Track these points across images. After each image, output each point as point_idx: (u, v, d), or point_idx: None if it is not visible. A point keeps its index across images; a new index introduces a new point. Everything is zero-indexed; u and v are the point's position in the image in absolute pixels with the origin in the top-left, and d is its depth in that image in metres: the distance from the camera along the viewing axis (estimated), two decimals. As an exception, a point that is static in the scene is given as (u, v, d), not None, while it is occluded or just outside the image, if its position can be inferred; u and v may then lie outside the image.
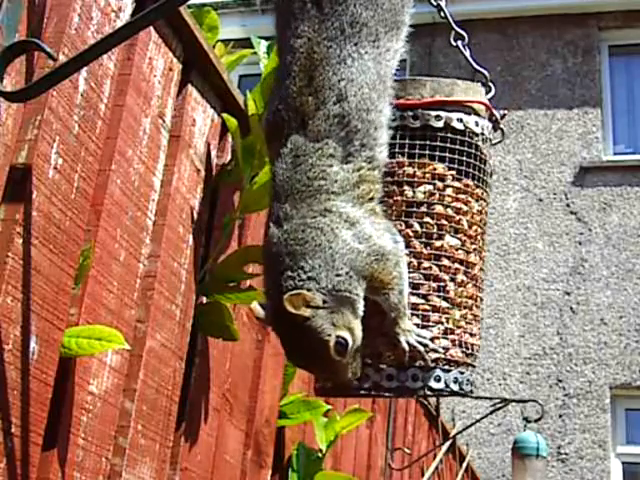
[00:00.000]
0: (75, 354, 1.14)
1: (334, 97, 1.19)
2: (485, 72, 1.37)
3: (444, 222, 1.25)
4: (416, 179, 1.26)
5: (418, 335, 1.21)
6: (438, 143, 1.27)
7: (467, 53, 1.38)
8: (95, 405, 1.22)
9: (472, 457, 5.09)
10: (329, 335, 1.13)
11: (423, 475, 3.69)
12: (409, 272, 1.22)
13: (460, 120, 1.28)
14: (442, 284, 1.24)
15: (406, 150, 1.27)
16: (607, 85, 8.27)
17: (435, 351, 1.22)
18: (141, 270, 1.36)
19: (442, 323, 1.23)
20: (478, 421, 4.36)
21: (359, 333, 1.16)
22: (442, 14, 1.39)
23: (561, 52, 8.28)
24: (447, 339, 1.23)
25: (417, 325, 1.22)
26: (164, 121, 1.43)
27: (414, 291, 1.23)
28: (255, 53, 1.74)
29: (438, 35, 7.76)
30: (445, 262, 1.24)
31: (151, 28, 1.38)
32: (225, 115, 1.60)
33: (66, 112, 1.15)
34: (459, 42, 1.39)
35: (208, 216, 1.59)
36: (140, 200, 1.35)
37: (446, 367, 1.22)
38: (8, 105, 1.07)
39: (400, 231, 1.23)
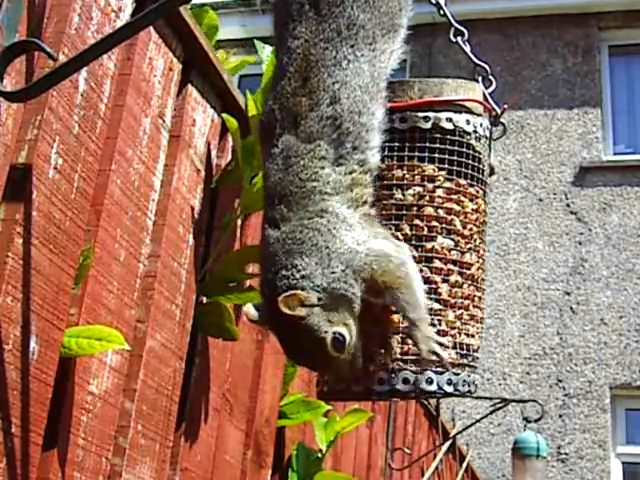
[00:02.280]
0: (75, 354, 1.14)
1: (328, 99, 1.19)
2: (485, 66, 1.36)
3: (435, 223, 1.24)
4: (405, 182, 1.25)
5: (438, 343, 1.18)
6: (427, 144, 1.26)
7: (467, 49, 1.38)
8: (95, 405, 1.22)
9: (472, 457, 5.09)
10: (326, 332, 1.13)
11: (423, 475, 3.69)
12: None
13: (449, 120, 1.27)
14: (433, 286, 1.22)
15: (395, 153, 1.26)
16: (607, 85, 8.27)
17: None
18: (141, 270, 1.36)
19: (434, 325, 1.21)
20: (478, 421, 4.36)
21: (355, 330, 1.16)
22: (441, 12, 1.38)
23: (561, 52, 8.28)
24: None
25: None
26: (164, 121, 1.43)
27: None
28: (257, 55, 1.74)
29: (438, 35, 7.76)
30: (437, 264, 1.23)
31: (151, 28, 1.38)
32: (225, 115, 1.60)
33: (66, 112, 1.15)
34: (458, 38, 1.38)
35: (208, 216, 1.59)
36: (140, 200, 1.35)
37: (439, 369, 1.21)
38: (8, 105, 1.07)
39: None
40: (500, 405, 4.33)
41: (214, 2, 7.88)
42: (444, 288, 1.23)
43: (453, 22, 1.37)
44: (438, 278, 1.23)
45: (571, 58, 8.25)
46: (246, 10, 8.65)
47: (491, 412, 4.31)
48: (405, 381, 1.20)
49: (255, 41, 1.71)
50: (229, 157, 1.69)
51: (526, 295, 7.58)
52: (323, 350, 1.14)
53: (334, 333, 1.13)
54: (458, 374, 1.23)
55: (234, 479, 1.73)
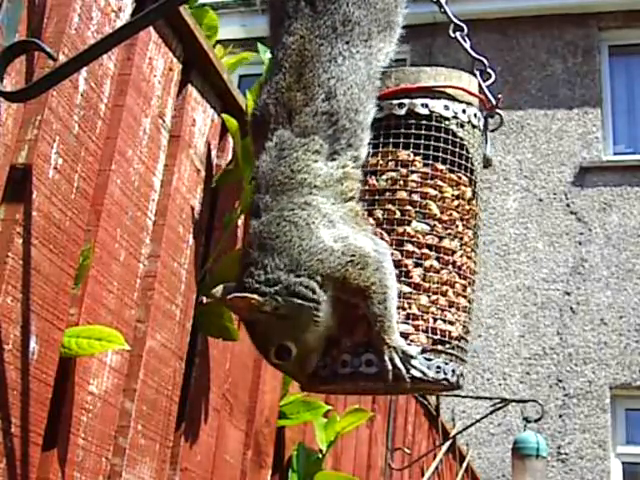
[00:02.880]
0: (75, 354, 1.14)
1: (323, 94, 1.19)
2: (483, 59, 1.36)
3: (409, 207, 1.23)
4: (379, 168, 1.25)
5: (404, 353, 1.16)
6: (402, 130, 1.26)
7: (467, 44, 1.37)
8: (95, 405, 1.22)
9: (472, 457, 5.09)
10: (271, 343, 1.15)
11: (423, 475, 3.69)
12: None
13: (425, 105, 1.26)
14: (404, 269, 1.21)
15: (371, 141, 1.26)
16: (607, 85, 8.27)
17: (421, 372, 1.18)
18: (141, 270, 1.36)
19: (404, 309, 1.20)
20: (478, 421, 4.36)
21: (313, 338, 1.15)
22: (441, 9, 1.39)
23: (561, 52, 8.28)
24: (408, 324, 1.20)
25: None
26: (164, 121, 1.43)
27: None
28: (256, 53, 1.74)
29: (438, 35, 7.76)
30: (408, 247, 1.22)
31: (151, 28, 1.37)
32: (225, 115, 1.60)
33: (66, 112, 1.15)
34: (457, 33, 1.38)
35: (208, 216, 1.59)
36: (140, 200, 1.35)
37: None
38: (8, 105, 1.07)
39: None
40: (500, 405, 4.33)
41: (214, 2, 7.88)
42: (416, 272, 1.22)
43: (452, 17, 1.37)
44: (409, 262, 1.22)
45: (571, 58, 8.25)
46: (246, 10, 8.65)
47: (491, 412, 4.31)
48: (368, 363, 1.18)
49: (258, 43, 1.71)
50: (229, 157, 1.69)
51: (526, 295, 7.58)
52: (266, 357, 1.17)
53: (280, 346, 1.14)
54: (430, 360, 1.20)
55: (234, 479, 1.72)
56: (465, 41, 1.38)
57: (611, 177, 7.77)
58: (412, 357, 1.16)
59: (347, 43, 1.21)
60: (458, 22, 1.37)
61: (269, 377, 1.87)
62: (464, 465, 4.58)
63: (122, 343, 1.15)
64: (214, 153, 1.63)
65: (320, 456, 2.06)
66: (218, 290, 1.22)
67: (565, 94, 8.13)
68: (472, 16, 7.76)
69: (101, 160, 1.24)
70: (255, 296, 1.12)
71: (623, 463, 7.13)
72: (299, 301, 1.13)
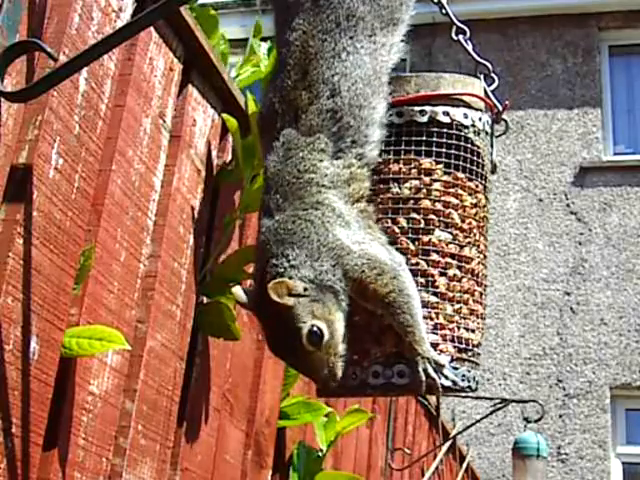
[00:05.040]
0: (76, 354, 1.14)
1: (328, 92, 1.19)
2: (487, 64, 1.35)
3: (432, 217, 1.24)
4: (402, 175, 1.25)
5: (436, 363, 1.17)
6: (424, 138, 1.26)
7: (469, 47, 1.37)
8: (95, 405, 1.22)
9: (472, 457, 5.08)
10: (304, 323, 1.12)
11: (423, 475, 3.69)
12: None
13: (446, 113, 1.27)
14: (430, 279, 1.22)
15: (392, 147, 1.26)
16: (607, 85, 8.27)
17: (452, 382, 1.19)
18: (141, 270, 1.36)
19: (432, 318, 1.21)
20: (478, 421, 4.36)
21: (340, 327, 1.15)
22: (443, 11, 1.38)
23: (561, 52, 8.28)
24: (437, 334, 1.21)
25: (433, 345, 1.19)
26: (164, 121, 1.43)
27: None
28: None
29: (438, 35, 7.76)
30: (434, 257, 1.23)
31: (152, 28, 1.37)
32: (225, 115, 1.60)
33: (67, 112, 1.15)
34: (460, 36, 1.38)
35: (208, 216, 1.59)
36: (140, 200, 1.35)
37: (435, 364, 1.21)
38: (9, 105, 1.07)
39: (387, 228, 1.23)
40: (500, 405, 4.33)
41: (214, 2, 7.87)
42: (441, 281, 1.23)
43: (455, 20, 1.37)
44: (435, 271, 1.23)
45: (571, 58, 8.25)
46: (246, 10, 8.65)
47: (491, 412, 4.30)
48: (400, 374, 1.19)
49: (256, 41, 1.72)
50: (229, 157, 1.69)
51: (526, 295, 7.58)
52: (298, 341, 1.13)
53: (312, 326, 1.12)
54: (457, 368, 1.22)
55: (235, 479, 1.72)
56: (468, 44, 1.37)
57: (611, 177, 7.77)
58: (443, 366, 1.18)
59: (351, 38, 1.21)
60: (461, 25, 1.37)
61: (269, 377, 1.87)
62: (464, 465, 4.58)
63: (123, 343, 1.15)
64: (214, 153, 1.63)
65: (320, 456, 2.06)
66: (238, 293, 1.20)
67: (565, 94, 8.13)
68: (472, 16, 7.75)
69: (102, 160, 1.24)
70: (287, 280, 1.11)
71: (623, 463, 7.13)
72: (327, 283, 1.13)
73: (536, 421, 4.57)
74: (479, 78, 1.34)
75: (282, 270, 1.13)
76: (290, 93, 1.20)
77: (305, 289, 1.12)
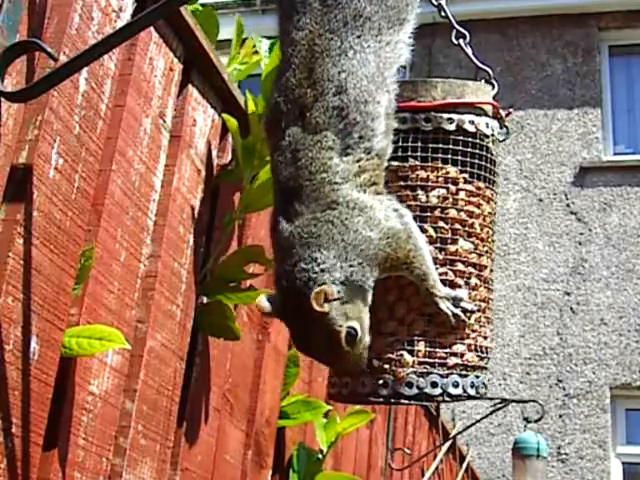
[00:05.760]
0: (76, 354, 1.14)
1: (333, 89, 1.19)
2: (488, 70, 1.36)
3: (458, 226, 1.24)
4: (429, 183, 1.25)
5: (455, 298, 1.22)
6: (450, 146, 1.26)
7: (469, 51, 1.38)
8: (96, 405, 1.22)
9: (472, 457, 5.09)
10: (340, 326, 1.14)
11: (423, 475, 3.69)
12: None
13: (472, 122, 1.27)
14: (457, 289, 1.23)
15: (419, 154, 1.26)
16: (607, 85, 8.27)
17: (472, 312, 1.23)
18: (142, 270, 1.36)
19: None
20: (478, 421, 4.36)
21: (367, 322, 1.18)
22: (443, 14, 1.38)
23: (561, 52, 8.28)
24: (464, 344, 1.22)
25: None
26: (165, 121, 1.43)
27: None
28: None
29: (438, 35, 7.75)
30: (460, 267, 1.23)
31: (152, 28, 1.37)
32: (225, 115, 1.60)
33: (67, 112, 1.14)
34: (460, 40, 1.38)
35: (209, 216, 1.59)
36: (141, 200, 1.35)
37: (463, 372, 1.22)
38: (9, 105, 1.07)
39: None
40: (500, 405, 4.33)
41: (214, 2, 7.87)
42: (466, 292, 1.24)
43: (455, 24, 1.37)
44: (461, 281, 1.24)
45: (571, 58, 8.25)
46: (246, 10, 8.65)
47: (491, 412, 4.30)
48: (433, 384, 1.20)
49: (253, 36, 1.71)
50: (229, 157, 1.69)
51: (526, 295, 7.58)
52: (337, 344, 1.15)
53: (348, 327, 1.15)
54: (479, 377, 1.24)
55: (234, 479, 1.72)
56: (467, 48, 1.37)
57: (611, 177, 7.77)
58: (462, 299, 1.23)
59: (358, 37, 1.21)
60: (461, 29, 1.37)
61: (269, 377, 1.87)
62: (464, 465, 4.58)
63: (123, 342, 1.15)
64: (214, 153, 1.63)
65: (320, 456, 2.06)
66: (262, 304, 1.20)
67: (565, 94, 8.13)
68: (472, 16, 7.76)
69: (102, 160, 1.24)
70: (325, 286, 1.13)
71: (623, 463, 7.13)
72: (358, 283, 1.16)
73: (536, 421, 4.57)
74: (481, 83, 1.35)
75: (314, 275, 1.14)
76: (295, 91, 1.20)
77: (338, 291, 1.14)
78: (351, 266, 1.15)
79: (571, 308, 7.44)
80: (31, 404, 1.08)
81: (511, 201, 7.88)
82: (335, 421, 2.08)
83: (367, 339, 1.18)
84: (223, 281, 1.57)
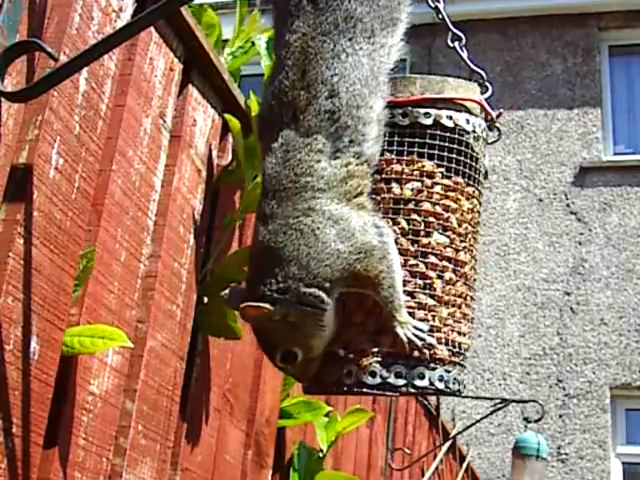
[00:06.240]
0: (78, 352, 1.14)
1: (326, 92, 1.19)
2: (482, 72, 1.37)
3: (432, 220, 1.24)
4: (404, 176, 1.25)
5: (415, 327, 1.20)
6: (427, 140, 1.26)
7: (464, 54, 1.38)
8: (96, 405, 1.22)
9: (472, 457, 5.09)
10: (278, 348, 1.18)
11: (423, 475, 3.69)
12: None
13: (450, 117, 1.27)
14: (428, 281, 1.23)
15: (395, 147, 1.26)
16: (607, 85, 8.27)
17: (431, 345, 1.21)
18: (142, 270, 1.36)
19: (428, 321, 1.22)
20: (478, 421, 4.36)
21: (317, 344, 1.18)
22: (440, 16, 1.39)
23: (561, 52, 8.28)
24: (432, 337, 1.22)
25: (411, 315, 1.22)
26: (165, 121, 1.43)
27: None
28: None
29: (438, 35, 7.75)
30: (432, 259, 1.24)
31: (152, 28, 1.37)
32: (227, 115, 1.60)
33: (67, 112, 1.15)
34: (456, 43, 1.39)
35: (209, 216, 1.59)
36: (141, 200, 1.35)
37: (431, 365, 1.22)
38: (9, 105, 1.07)
39: None
40: (500, 405, 4.33)
41: (214, 2, 7.87)
42: (438, 284, 1.24)
43: (451, 27, 1.37)
44: (433, 274, 1.24)
45: (571, 58, 8.24)
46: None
47: (491, 412, 4.30)
48: (398, 375, 1.20)
49: (256, 40, 1.71)
50: (230, 157, 1.69)
51: (526, 295, 7.58)
52: (272, 361, 1.21)
53: (285, 351, 1.18)
54: (449, 371, 1.24)
55: (235, 479, 1.72)
56: (463, 51, 1.38)
57: (611, 177, 7.77)
58: (422, 330, 1.21)
59: (350, 40, 1.21)
60: (457, 32, 1.37)
61: (270, 377, 1.87)
62: (464, 465, 4.58)
63: (125, 340, 1.15)
64: (215, 153, 1.63)
65: (321, 456, 2.06)
66: (226, 294, 1.24)
67: (565, 94, 8.13)
68: (472, 16, 7.76)
69: (102, 160, 1.24)
70: (267, 305, 1.14)
71: (623, 463, 7.13)
72: (308, 309, 1.15)
73: (536, 421, 4.57)
74: (471, 82, 1.35)
75: (269, 293, 1.15)
76: (288, 94, 1.20)
77: (284, 315, 1.15)
78: (308, 286, 1.15)
79: (571, 308, 7.44)
80: (31, 404, 1.08)
81: (511, 201, 7.88)
82: (336, 420, 2.08)
83: (315, 362, 1.20)
84: (223, 281, 1.57)
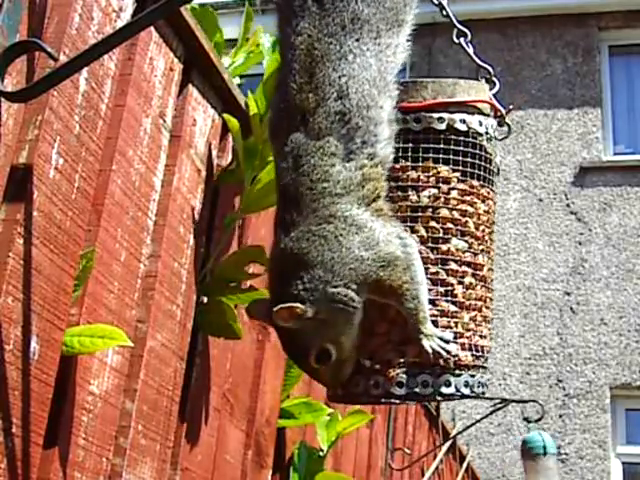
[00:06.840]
0: (78, 352, 1.14)
1: (335, 93, 1.18)
2: (489, 68, 1.36)
3: (450, 225, 1.24)
4: (420, 183, 1.24)
5: (441, 339, 1.19)
6: (441, 145, 1.25)
7: (470, 50, 1.37)
8: (96, 405, 1.22)
9: (472, 457, 5.08)
10: (312, 347, 1.17)
11: (423, 475, 3.69)
12: None
13: (463, 121, 1.27)
14: (449, 288, 1.22)
15: (409, 154, 1.25)
16: (607, 85, 8.27)
17: (457, 357, 1.21)
18: (142, 270, 1.36)
19: (451, 327, 1.22)
20: (478, 421, 4.36)
21: (349, 344, 1.18)
22: (444, 12, 1.38)
23: (561, 52, 8.28)
24: (456, 343, 1.22)
25: (435, 323, 1.21)
26: (165, 121, 1.43)
27: None
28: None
29: (438, 35, 7.75)
30: (452, 265, 1.23)
31: (152, 28, 1.37)
32: (226, 115, 1.59)
33: (67, 112, 1.14)
34: (461, 39, 1.38)
35: (209, 216, 1.59)
36: (141, 200, 1.35)
37: (456, 371, 1.21)
38: (9, 105, 1.07)
39: None
40: (500, 405, 4.33)
41: (214, 2, 7.87)
42: (459, 290, 1.23)
43: (456, 23, 1.36)
44: (454, 280, 1.23)
45: (571, 58, 8.25)
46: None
47: (491, 412, 4.30)
48: (424, 384, 1.20)
49: (257, 30, 1.71)
50: (230, 157, 1.69)
51: (526, 295, 7.58)
52: (307, 361, 1.18)
53: (320, 349, 1.16)
54: (474, 376, 1.23)
55: (235, 479, 1.72)
56: (468, 47, 1.37)
57: (611, 177, 7.77)
58: (448, 342, 1.20)
59: (357, 41, 1.20)
60: (462, 28, 1.36)
61: (270, 377, 1.87)
62: (464, 465, 4.58)
63: (125, 340, 1.15)
64: (215, 153, 1.63)
65: (321, 455, 2.06)
66: (253, 308, 1.25)
67: (565, 94, 8.13)
68: (472, 16, 7.76)
69: (102, 160, 1.24)
70: (299, 304, 1.13)
71: (623, 463, 7.14)
72: (340, 305, 1.15)
73: (536, 421, 4.56)
74: (480, 81, 1.35)
75: (295, 292, 1.14)
76: (296, 97, 1.19)
77: (316, 312, 1.14)
78: (335, 287, 1.15)
79: (571, 308, 7.44)
80: (31, 404, 1.08)
81: (511, 201, 7.88)
82: (337, 420, 2.08)
83: (348, 364, 1.19)
84: (223, 281, 1.57)
